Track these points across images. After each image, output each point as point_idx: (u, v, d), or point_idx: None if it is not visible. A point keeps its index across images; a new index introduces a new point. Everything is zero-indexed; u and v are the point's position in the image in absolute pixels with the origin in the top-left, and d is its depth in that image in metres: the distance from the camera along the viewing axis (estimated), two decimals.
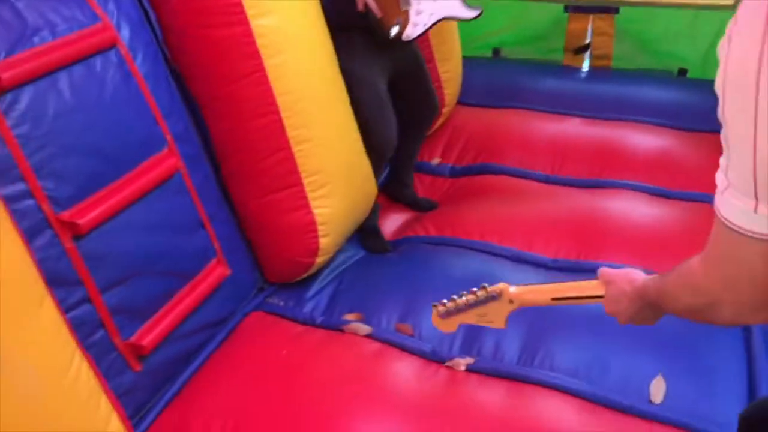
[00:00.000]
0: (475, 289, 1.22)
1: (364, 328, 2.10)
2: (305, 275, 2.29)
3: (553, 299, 1.19)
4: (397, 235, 2.78)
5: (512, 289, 1.20)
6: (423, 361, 2.00)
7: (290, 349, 2.06)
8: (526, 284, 1.22)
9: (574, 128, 3.23)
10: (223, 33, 1.90)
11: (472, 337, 2.05)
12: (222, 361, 2.03)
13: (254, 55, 1.92)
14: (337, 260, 2.45)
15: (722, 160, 0.72)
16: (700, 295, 0.83)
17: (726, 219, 0.73)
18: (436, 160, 3.21)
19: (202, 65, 1.97)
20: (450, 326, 1.27)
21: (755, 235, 0.71)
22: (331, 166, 2.15)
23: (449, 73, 3.16)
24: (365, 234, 2.68)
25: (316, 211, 2.13)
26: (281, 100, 1.98)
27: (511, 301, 1.21)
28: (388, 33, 2.43)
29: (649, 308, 0.99)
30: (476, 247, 2.56)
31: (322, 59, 2.16)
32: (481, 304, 1.22)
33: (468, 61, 3.48)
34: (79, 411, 1.37)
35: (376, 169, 2.64)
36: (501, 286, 1.21)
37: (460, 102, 3.42)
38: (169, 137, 1.89)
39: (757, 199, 0.68)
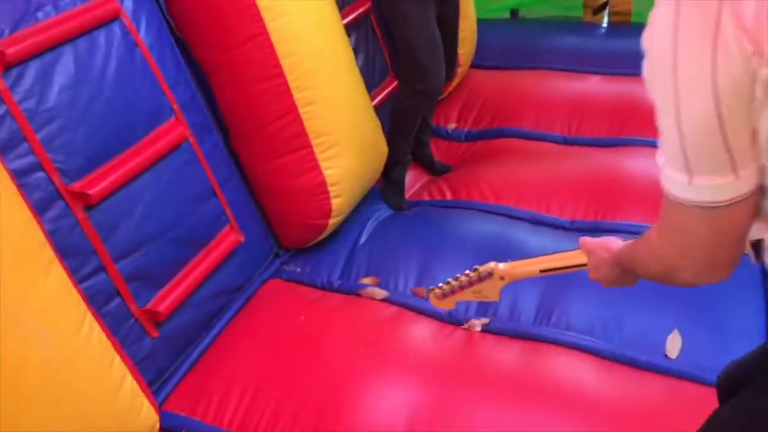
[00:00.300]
0: (467, 271, 1.27)
1: (381, 292, 2.11)
2: (320, 238, 2.30)
3: (541, 271, 1.24)
4: (413, 197, 2.77)
5: (502, 266, 1.26)
6: (439, 324, 2.01)
7: (308, 314, 2.08)
8: (514, 260, 1.28)
9: (593, 86, 3.15)
10: None
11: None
12: (241, 328, 2.07)
13: (256, 18, 1.92)
14: (352, 223, 2.45)
15: (660, 143, 0.79)
16: (660, 262, 0.89)
17: (670, 193, 0.79)
18: (452, 125, 3.17)
19: (206, 32, 1.97)
20: (449, 304, 1.32)
21: (697, 204, 0.77)
22: (339, 127, 2.15)
23: (464, 32, 3.09)
24: (389, 185, 2.67)
25: (326, 172, 2.13)
26: (285, 63, 1.98)
27: (502, 278, 1.26)
28: None
29: (626, 273, 1.05)
30: (492, 209, 2.55)
31: (326, 19, 2.15)
32: (474, 283, 1.27)
33: (484, 24, 3.41)
34: (91, 369, 1.41)
35: (413, 125, 2.60)
36: (491, 265, 1.26)
37: (477, 65, 3.36)
38: (176, 106, 1.90)
39: (690, 173, 0.75)
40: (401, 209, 2.62)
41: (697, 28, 0.67)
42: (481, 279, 1.26)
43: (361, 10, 2.74)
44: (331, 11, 2.20)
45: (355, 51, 2.70)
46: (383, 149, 2.48)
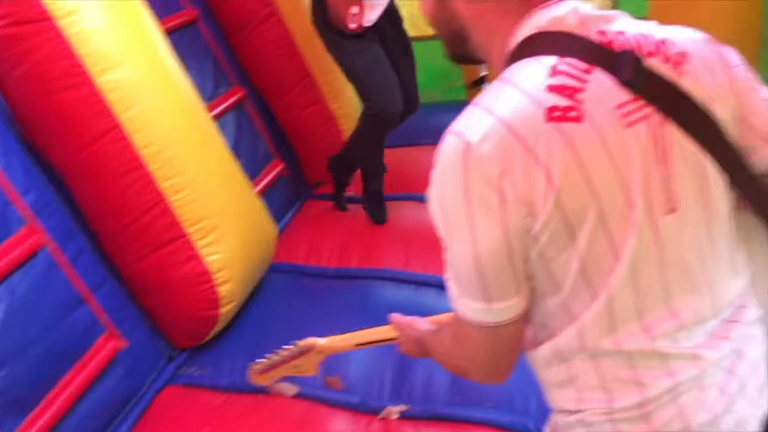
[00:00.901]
0: (288, 345, 1.33)
1: (291, 388, 1.96)
2: (215, 331, 2.15)
3: (357, 345, 1.32)
4: (317, 263, 2.65)
5: (321, 341, 1.32)
6: (354, 415, 1.89)
7: (213, 424, 1.90)
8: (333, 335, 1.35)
9: None
10: (69, 96, 1.82)
11: (400, 379, 1.97)
12: None
13: (106, 112, 1.84)
14: (251, 309, 2.31)
15: (451, 278, 0.92)
16: (452, 363, 1.03)
17: (466, 317, 0.91)
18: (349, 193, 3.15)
19: (56, 132, 1.87)
20: (267, 380, 1.36)
21: (487, 325, 0.90)
22: (216, 211, 2.05)
23: (343, 109, 3.12)
24: (368, 197, 2.77)
25: (207, 259, 2.02)
26: (145, 153, 1.90)
27: (321, 352, 1.32)
28: (348, 26, 2.51)
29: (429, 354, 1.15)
30: (401, 277, 2.47)
31: (183, 103, 2.09)
32: (295, 357, 1.33)
33: None
34: None
35: (377, 145, 2.71)
36: (310, 341, 1.32)
37: None
38: (27, 214, 1.77)
39: (488, 300, 0.88)
40: (381, 221, 2.76)
41: (486, 193, 0.83)
42: (301, 353, 1.31)
43: (234, 99, 2.73)
44: (187, 92, 2.15)
45: (235, 139, 2.67)
46: (270, 230, 2.40)
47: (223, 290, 2.06)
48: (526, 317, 0.91)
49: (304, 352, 1.30)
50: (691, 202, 0.88)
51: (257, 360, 1.32)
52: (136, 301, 2.07)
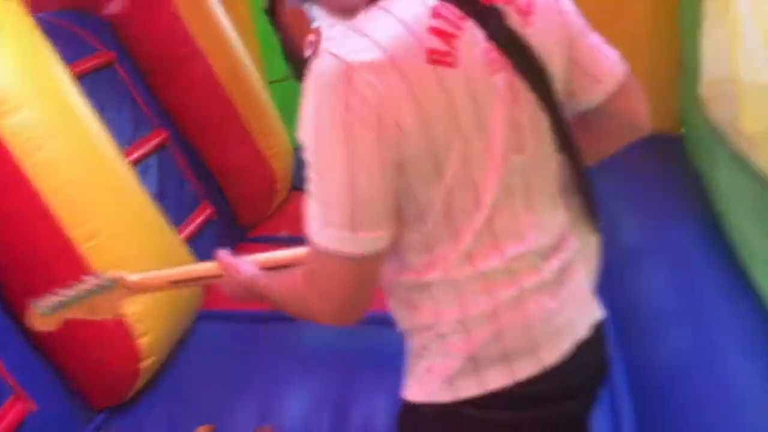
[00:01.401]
0: (86, 277, 1.16)
1: None
2: (137, 387, 2.01)
3: (173, 282, 1.21)
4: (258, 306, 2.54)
5: (132, 276, 1.20)
6: None
7: None
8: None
9: None
10: None
11: (337, 424, 1.90)
12: None
13: (8, 157, 1.73)
14: (176, 360, 2.18)
15: (315, 208, 0.90)
16: (301, 303, 1.00)
17: (326, 248, 0.90)
18: (283, 233, 3.05)
19: None
20: (52, 324, 1.20)
21: (350, 256, 0.89)
22: (131, 258, 1.93)
23: (274, 149, 3.06)
24: None
25: (125, 310, 1.89)
26: (52, 199, 1.78)
27: (128, 288, 1.19)
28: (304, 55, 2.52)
29: (259, 297, 1.14)
30: None
31: (94, 147, 1.99)
32: (92, 294, 1.17)
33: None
34: None
35: None
36: (118, 273, 1.19)
37: (298, 188, 3.29)
38: None
39: (355, 229, 0.88)
40: None
41: (366, 119, 0.85)
42: (101, 289, 1.15)
43: (156, 141, 2.63)
44: (99, 139, 2.04)
45: (159, 183, 2.58)
46: None
47: (143, 343, 1.93)
48: (385, 255, 0.93)
49: (107, 287, 1.16)
50: (530, 144, 0.97)
51: (44, 296, 1.15)
52: (47, 359, 1.91)
